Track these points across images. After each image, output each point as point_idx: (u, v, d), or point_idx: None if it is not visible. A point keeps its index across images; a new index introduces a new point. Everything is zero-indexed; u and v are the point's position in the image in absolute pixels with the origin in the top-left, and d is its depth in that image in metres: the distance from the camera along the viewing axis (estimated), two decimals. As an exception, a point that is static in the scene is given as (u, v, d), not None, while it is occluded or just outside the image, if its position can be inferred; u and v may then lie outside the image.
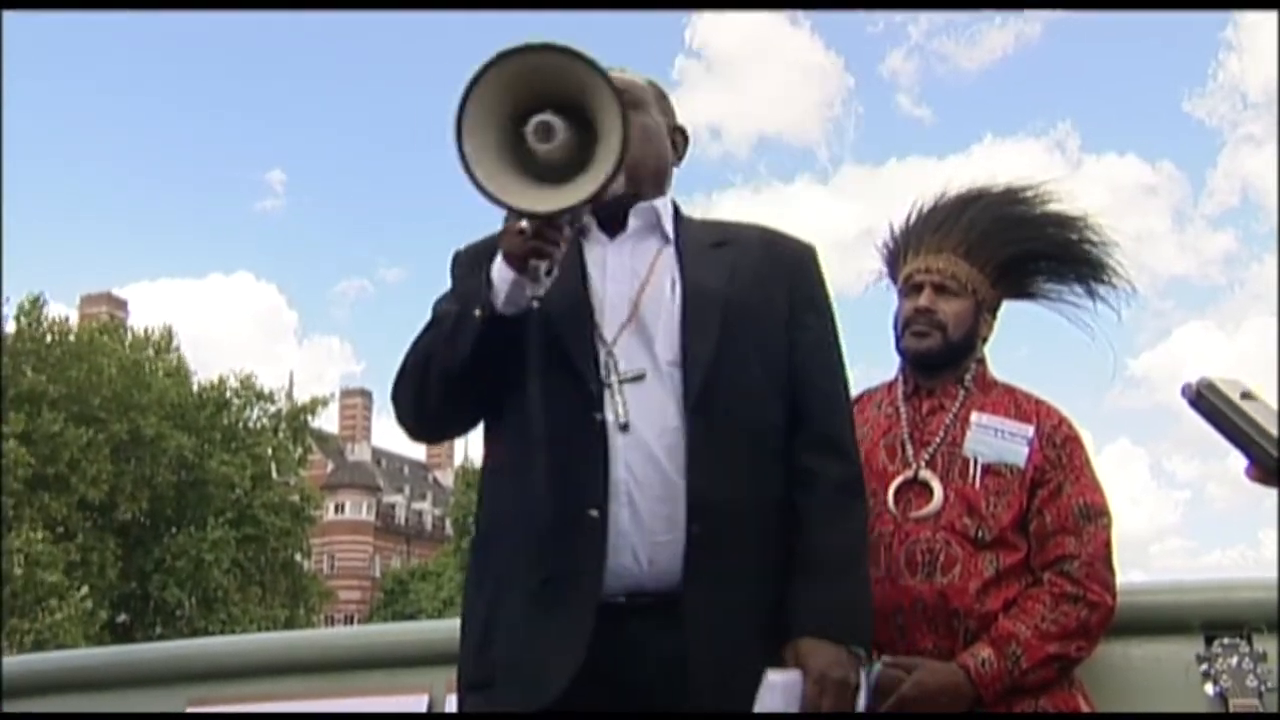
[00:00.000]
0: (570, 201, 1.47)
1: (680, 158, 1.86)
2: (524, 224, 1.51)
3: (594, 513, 1.52)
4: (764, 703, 1.50)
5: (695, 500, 1.54)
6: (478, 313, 1.58)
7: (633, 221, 1.73)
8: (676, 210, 1.80)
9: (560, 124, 1.45)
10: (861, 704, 1.56)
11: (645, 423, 1.56)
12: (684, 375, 1.59)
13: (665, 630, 1.51)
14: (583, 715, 1.50)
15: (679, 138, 1.85)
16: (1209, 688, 2.01)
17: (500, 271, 1.57)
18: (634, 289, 1.66)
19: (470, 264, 1.72)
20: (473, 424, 1.74)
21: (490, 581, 1.63)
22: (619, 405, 1.56)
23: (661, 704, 1.51)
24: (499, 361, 1.60)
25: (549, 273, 1.54)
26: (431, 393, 1.65)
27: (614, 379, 1.58)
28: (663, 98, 1.84)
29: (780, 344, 1.68)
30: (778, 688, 1.51)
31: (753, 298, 1.68)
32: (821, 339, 1.73)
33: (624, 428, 1.55)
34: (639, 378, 1.59)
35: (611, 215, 1.72)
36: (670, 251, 1.71)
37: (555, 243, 1.52)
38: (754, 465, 1.61)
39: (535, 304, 1.54)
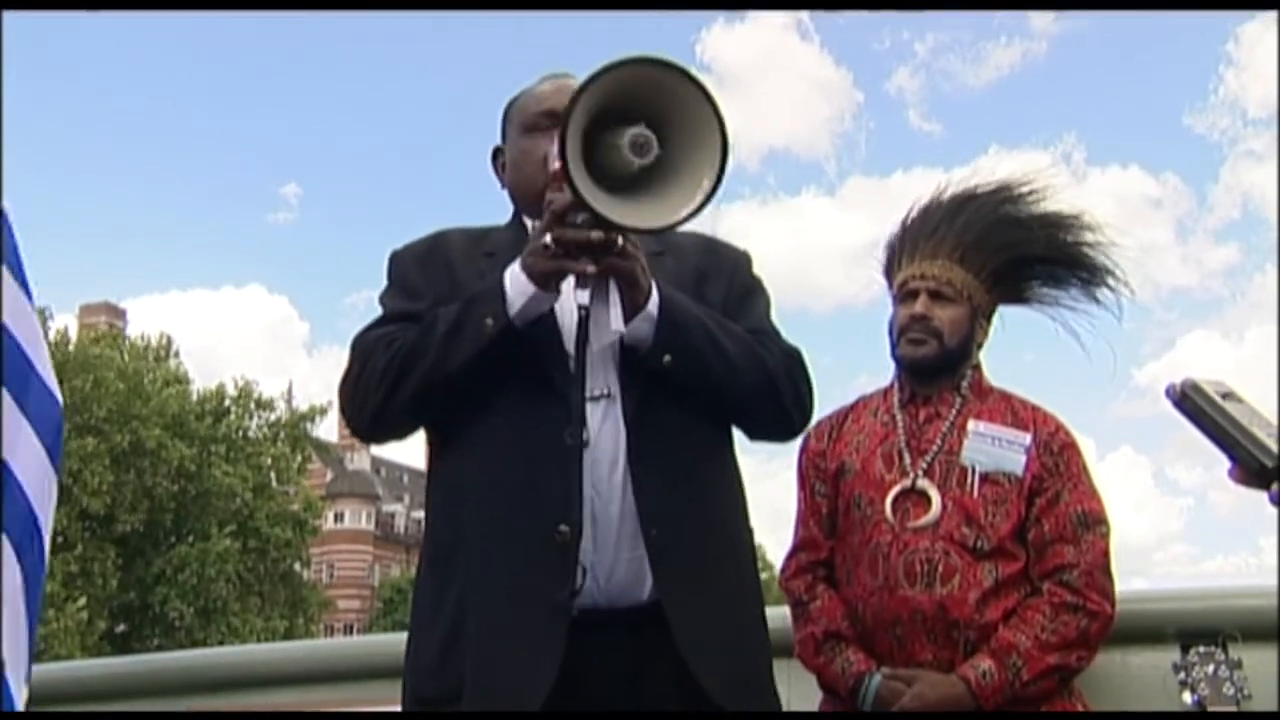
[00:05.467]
0: (673, 218, 1.42)
1: None
2: (547, 239, 1.49)
3: (564, 528, 1.50)
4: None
5: (647, 511, 1.54)
6: (489, 321, 1.54)
7: None
8: None
9: (653, 139, 1.39)
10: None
11: (608, 441, 1.57)
12: (621, 391, 1.59)
13: (636, 638, 1.51)
14: (581, 715, 1.50)
15: None
16: (1187, 696, 2.01)
17: (518, 284, 1.54)
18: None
19: (417, 265, 1.73)
20: (416, 430, 1.72)
21: (453, 600, 1.58)
22: (585, 424, 1.54)
23: (643, 709, 1.50)
24: (481, 372, 1.58)
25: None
26: (405, 392, 1.60)
27: (583, 397, 1.56)
28: None
29: None
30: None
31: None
32: (765, 316, 1.76)
33: (585, 445, 1.54)
34: (604, 396, 1.58)
35: None
36: None
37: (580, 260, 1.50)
38: (701, 471, 1.62)
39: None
